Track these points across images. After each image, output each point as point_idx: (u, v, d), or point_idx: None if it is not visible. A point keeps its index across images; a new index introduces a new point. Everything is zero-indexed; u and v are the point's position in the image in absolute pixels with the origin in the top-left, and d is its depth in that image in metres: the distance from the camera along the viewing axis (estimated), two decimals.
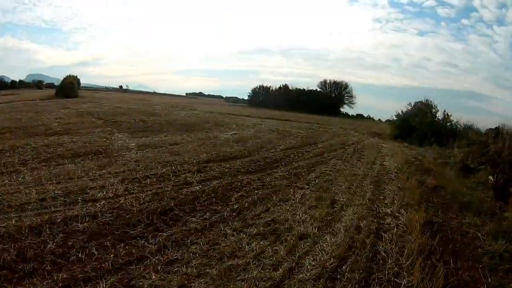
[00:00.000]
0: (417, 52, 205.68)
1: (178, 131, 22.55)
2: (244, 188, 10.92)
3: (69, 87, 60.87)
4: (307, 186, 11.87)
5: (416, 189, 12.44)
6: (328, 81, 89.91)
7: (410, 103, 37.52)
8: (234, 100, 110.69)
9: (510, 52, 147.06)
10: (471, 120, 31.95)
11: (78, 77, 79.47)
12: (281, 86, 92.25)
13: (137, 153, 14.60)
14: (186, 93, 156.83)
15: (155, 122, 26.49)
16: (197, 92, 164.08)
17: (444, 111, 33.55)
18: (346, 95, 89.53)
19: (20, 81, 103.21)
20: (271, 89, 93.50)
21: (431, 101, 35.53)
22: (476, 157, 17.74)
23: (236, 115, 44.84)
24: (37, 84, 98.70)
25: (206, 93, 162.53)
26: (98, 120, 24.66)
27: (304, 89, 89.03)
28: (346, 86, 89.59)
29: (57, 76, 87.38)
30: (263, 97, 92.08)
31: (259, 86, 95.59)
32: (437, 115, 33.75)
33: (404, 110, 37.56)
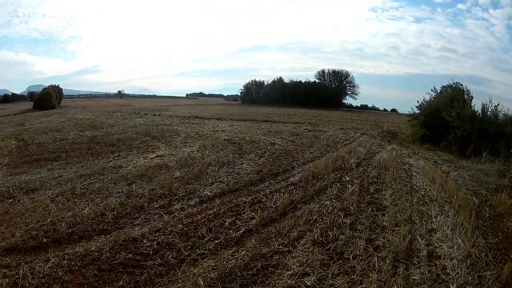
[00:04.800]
0: (415, 40, 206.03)
1: (78, 158, 15.96)
2: None
3: (45, 99, 61.08)
4: None
5: None
6: (326, 71, 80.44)
7: (434, 88, 25.88)
8: (234, 98, 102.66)
9: (507, 34, 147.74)
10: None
11: (60, 85, 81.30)
12: (275, 79, 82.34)
13: None
14: (187, 94, 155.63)
15: (74, 141, 20.62)
16: (198, 92, 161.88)
17: (490, 99, 20.67)
18: (347, 85, 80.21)
19: (12, 94, 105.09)
20: (265, 83, 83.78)
21: (462, 85, 23.84)
22: None
23: (204, 119, 36.11)
24: (30, 96, 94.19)
25: (207, 93, 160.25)
26: (15, 144, 20.31)
27: (300, 81, 79.76)
28: (346, 75, 80.00)
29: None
30: (257, 93, 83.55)
31: (252, 81, 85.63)
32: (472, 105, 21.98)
33: (427, 98, 25.82)
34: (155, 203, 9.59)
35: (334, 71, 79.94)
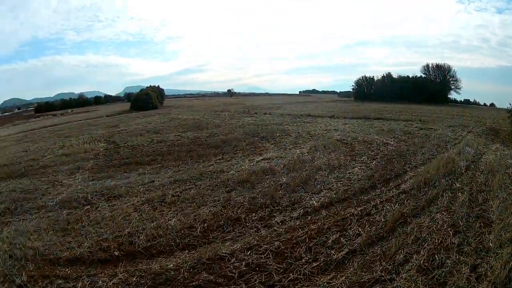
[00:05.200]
0: (501, 31, 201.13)
1: (176, 161, 15.29)
2: None
3: (144, 99, 62.14)
4: None
5: None
6: (430, 65, 76.91)
7: None
8: (346, 95, 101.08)
9: None
10: None
11: (161, 85, 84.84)
12: (384, 75, 80.00)
13: None
14: (300, 91, 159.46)
15: (173, 143, 20.06)
16: (311, 89, 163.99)
17: None
18: (450, 79, 75.98)
19: (106, 95, 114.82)
20: (375, 79, 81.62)
21: None
22: None
23: (316, 117, 33.35)
24: (127, 97, 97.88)
25: (320, 90, 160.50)
26: (103, 146, 20.31)
27: (408, 76, 76.95)
28: (449, 69, 76.06)
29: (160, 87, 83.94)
30: (368, 89, 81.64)
31: (362, 77, 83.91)
32: None
33: None
34: (253, 214, 8.69)
35: (437, 65, 76.69)
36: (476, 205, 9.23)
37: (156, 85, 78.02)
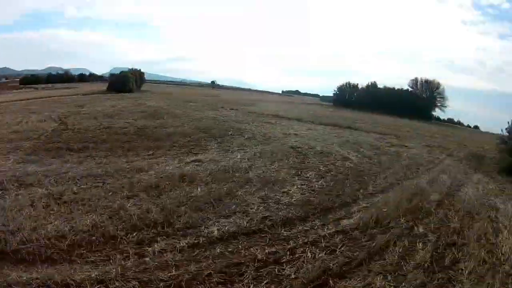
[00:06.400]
0: (500, 56, 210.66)
1: (106, 151, 14.20)
2: None
3: (122, 82, 60.93)
4: None
5: None
6: (419, 80, 78.46)
7: None
8: (329, 99, 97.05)
9: None
10: None
11: (149, 70, 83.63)
12: (369, 84, 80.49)
13: None
14: (282, 91, 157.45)
15: (116, 131, 18.57)
16: (294, 90, 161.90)
17: None
18: (437, 96, 77.48)
19: (90, 74, 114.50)
20: (359, 86, 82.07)
21: None
22: None
23: (282, 118, 31.74)
24: (110, 78, 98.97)
25: (303, 91, 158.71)
26: (54, 127, 18.95)
27: (393, 88, 78.09)
28: (438, 86, 77.50)
29: (148, 71, 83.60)
30: (350, 96, 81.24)
31: (346, 83, 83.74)
32: None
33: None
34: (135, 233, 6.80)
35: (426, 80, 78.21)
36: (440, 269, 6.37)
37: (138, 69, 77.11)
